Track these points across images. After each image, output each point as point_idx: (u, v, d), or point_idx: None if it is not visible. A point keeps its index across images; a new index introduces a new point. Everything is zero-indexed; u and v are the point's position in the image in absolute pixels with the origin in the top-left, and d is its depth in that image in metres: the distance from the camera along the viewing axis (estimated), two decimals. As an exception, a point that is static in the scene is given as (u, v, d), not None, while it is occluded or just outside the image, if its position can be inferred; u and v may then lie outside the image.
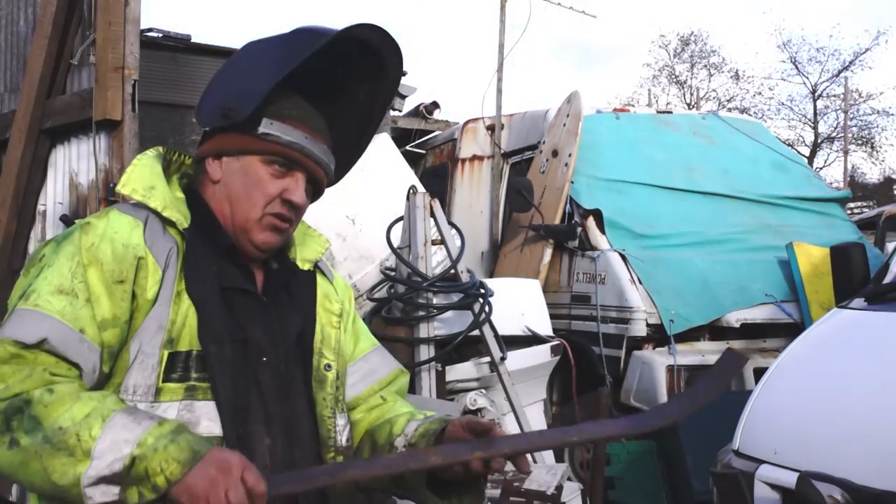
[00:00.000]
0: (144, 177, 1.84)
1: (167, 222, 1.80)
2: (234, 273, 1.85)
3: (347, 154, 2.03)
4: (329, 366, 1.93)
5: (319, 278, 2.03)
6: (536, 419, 5.21)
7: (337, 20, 63.39)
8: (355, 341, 2.09)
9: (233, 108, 1.80)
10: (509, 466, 2.14)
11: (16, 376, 1.55)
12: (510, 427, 4.68)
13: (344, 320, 2.04)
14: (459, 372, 4.84)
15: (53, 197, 4.78)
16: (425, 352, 4.68)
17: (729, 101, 37.54)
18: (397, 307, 4.90)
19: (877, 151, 36.86)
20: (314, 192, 1.96)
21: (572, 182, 6.64)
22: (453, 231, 5.21)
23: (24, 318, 1.61)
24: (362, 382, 2.07)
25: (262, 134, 1.83)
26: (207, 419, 1.70)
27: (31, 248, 4.98)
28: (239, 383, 1.76)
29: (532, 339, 5.30)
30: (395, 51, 1.95)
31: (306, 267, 2.00)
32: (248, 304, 1.84)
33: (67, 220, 4.09)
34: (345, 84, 2.02)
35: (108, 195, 4.17)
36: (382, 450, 1.95)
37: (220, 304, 1.78)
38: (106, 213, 1.77)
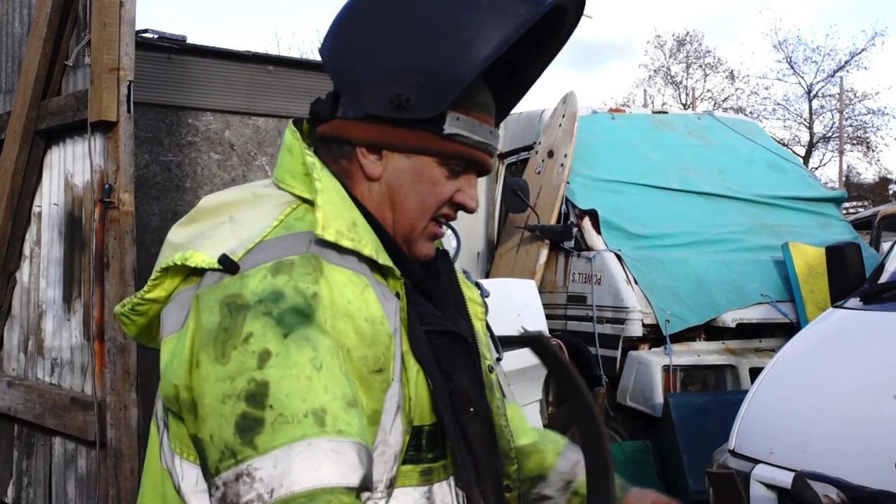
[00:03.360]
0: (338, 207, 1.34)
1: (374, 266, 1.34)
2: (427, 309, 1.43)
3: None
4: (491, 367, 1.56)
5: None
6: (533, 420, 5.21)
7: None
8: None
9: (411, 100, 1.34)
10: None
11: None
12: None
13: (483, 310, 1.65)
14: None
15: (49, 198, 4.78)
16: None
17: (724, 101, 37.64)
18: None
19: (872, 151, 37.06)
20: None
21: (568, 182, 6.65)
22: (449, 231, 5.21)
23: (339, 453, 1.16)
24: None
25: (447, 134, 1.39)
26: None
27: (27, 249, 4.98)
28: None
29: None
30: (581, 7, 1.50)
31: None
32: (448, 345, 1.42)
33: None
34: (520, 54, 1.52)
35: (103, 196, 4.16)
36: (533, 479, 1.67)
37: (433, 359, 1.38)
38: (316, 267, 1.27)
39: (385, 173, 1.41)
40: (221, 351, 1.19)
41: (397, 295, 1.35)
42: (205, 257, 1.27)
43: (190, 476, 1.27)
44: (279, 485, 1.12)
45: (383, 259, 1.34)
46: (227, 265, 1.24)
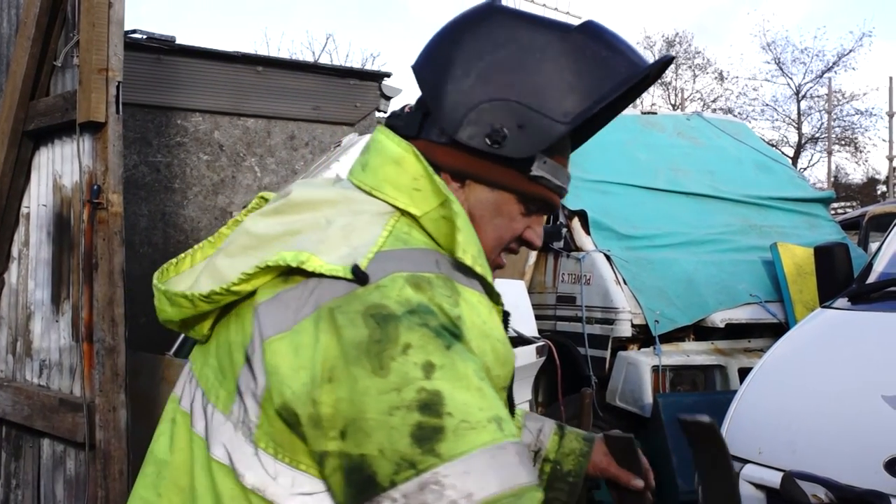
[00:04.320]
0: (471, 232, 1.37)
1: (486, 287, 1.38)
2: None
3: None
4: None
5: None
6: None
7: (329, 17, 63.34)
8: None
9: (508, 138, 1.36)
10: None
11: None
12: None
13: None
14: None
15: (37, 199, 4.76)
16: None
17: (714, 101, 37.73)
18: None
19: (860, 152, 37.27)
20: None
21: (557, 183, 6.65)
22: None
23: (523, 455, 1.19)
24: None
25: (533, 176, 1.42)
26: None
27: (15, 251, 4.96)
28: None
29: (517, 340, 5.30)
30: (663, 71, 1.53)
31: None
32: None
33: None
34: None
35: (91, 197, 4.14)
36: None
37: None
38: (453, 289, 1.28)
39: (466, 202, 1.43)
40: (378, 363, 1.16)
41: None
42: (326, 264, 1.24)
43: (285, 477, 1.24)
44: (478, 488, 1.11)
45: (496, 298, 1.39)
46: (359, 275, 1.21)
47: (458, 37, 1.44)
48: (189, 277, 1.45)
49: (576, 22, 1.51)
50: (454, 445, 1.12)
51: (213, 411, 1.32)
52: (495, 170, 1.41)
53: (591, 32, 1.44)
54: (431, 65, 1.45)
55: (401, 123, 1.46)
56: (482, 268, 1.34)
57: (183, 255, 1.52)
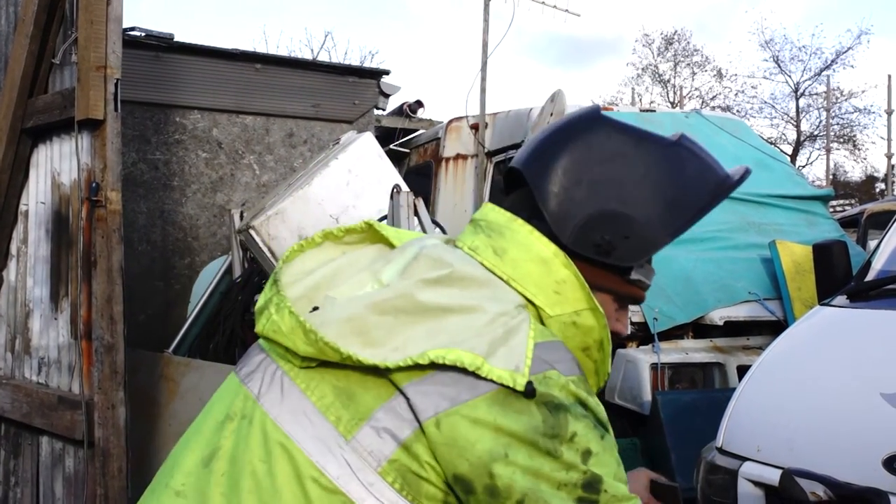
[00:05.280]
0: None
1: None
2: None
3: None
4: None
5: None
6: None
7: (328, 15, 63.20)
8: None
9: (616, 247, 1.49)
10: None
11: None
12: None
13: None
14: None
15: (36, 197, 4.76)
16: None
17: (712, 99, 37.74)
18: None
19: (859, 149, 37.18)
20: None
21: (556, 181, 6.64)
22: (437, 230, 5.21)
23: None
24: None
25: (632, 280, 1.57)
26: None
27: (14, 248, 4.95)
28: None
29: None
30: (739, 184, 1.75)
31: None
32: None
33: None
34: None
35: (90, 195, 4.14)
36: None
37: None
38: (588, 387, 1.44)
39: None
40: (552, 447, 1.34)
41: None
42: (497, 370, 1.33)
43: None
44: None
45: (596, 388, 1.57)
46: (529, 392, 1.32)
47: (567, 144, 1.54)
48: (293, 289, 1.49)
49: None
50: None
51: (330, 430, 1.37)
52: (599, 274, 1.53)
53: (687, 148, 1.58)
54: (540, 166, 1.55)
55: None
56: (608, 364, 1.56)
57: (280, 261, 1.56)
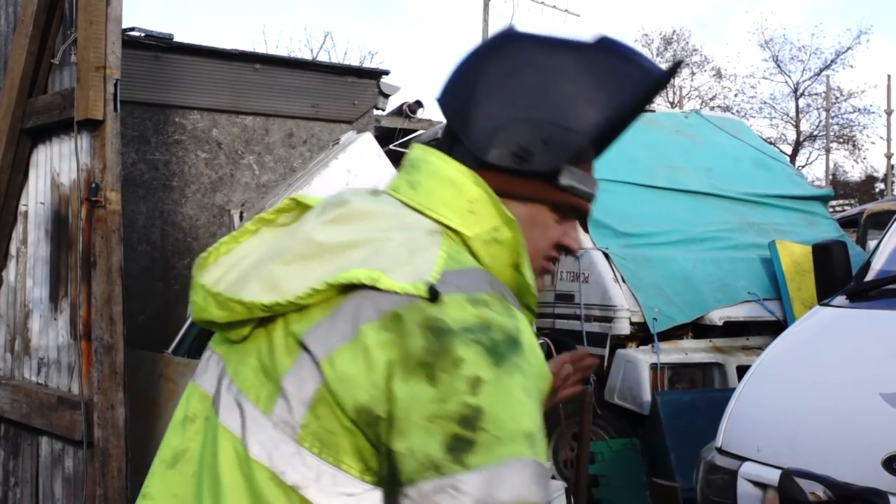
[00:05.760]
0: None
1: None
2: None
3: None
4: None
5: None
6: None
7: (328, 15, 63.24)
8: None
9: (534, 153, 1.44)
10: None
11: None
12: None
13: None
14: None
15: (35, 197, 4.75)
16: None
17: (712, 99, 37.73)
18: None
19: (858, 149, 37.18)
20: None
21: (556, 181, 6.65)
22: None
23: (543, 476, 1.25)
24: None
25: (562, 186, 1.50)
26: None
27: (13, 248, 4.96)
28: None
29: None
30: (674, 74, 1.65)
31: None
32: None
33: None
34: None
35: (89, 195, 4.14)
36: None
37: None
38: (507, 307, 1.34)
39: None
40: (431, 374, 1.22)
41: None
42: (397, 282, 1.29)
43: (327, 477, 1.29)
44: (491, 498, 1.18)
45: (533, 304, 1.49)
46: (434, 294, 1.27)
47: (478, 65, 1.52)
48: (215, 272, 1.47)
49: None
50: (481, 458, 1.19)
51: (252, 409, 1.35)
52: (526, 185, 1.49)
53: (605, 47, 1.52)
54: (455, 94, 1.52)
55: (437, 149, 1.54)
56: (531, 278, 1.45)
57: (207, 252, 1.54)
